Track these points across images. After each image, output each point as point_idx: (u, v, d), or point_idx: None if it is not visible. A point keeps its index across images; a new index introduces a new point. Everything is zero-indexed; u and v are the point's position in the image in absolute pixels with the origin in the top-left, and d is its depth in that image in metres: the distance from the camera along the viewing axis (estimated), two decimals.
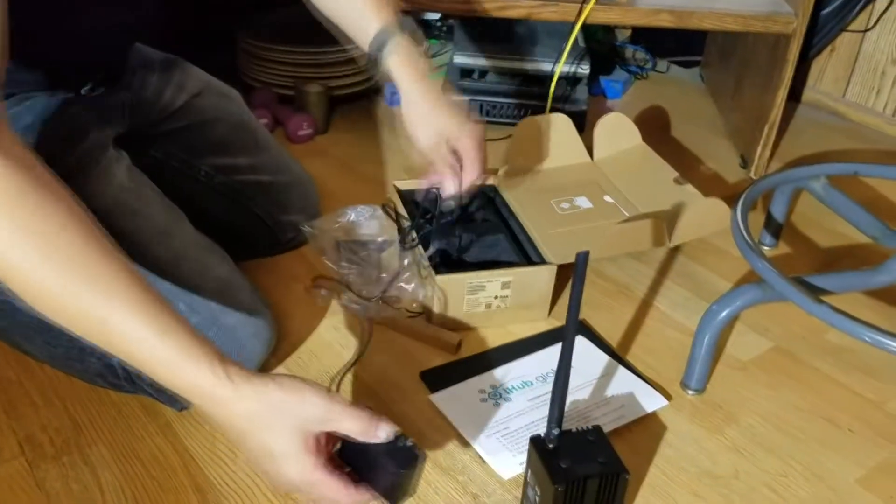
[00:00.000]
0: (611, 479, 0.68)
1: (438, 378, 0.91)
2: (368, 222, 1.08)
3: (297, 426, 0.61)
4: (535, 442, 0.71)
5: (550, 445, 0.70)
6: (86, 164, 0.79)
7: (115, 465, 0.79)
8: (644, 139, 1.26)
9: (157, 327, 0.58)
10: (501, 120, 1.49)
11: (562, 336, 0.65)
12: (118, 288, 0.57)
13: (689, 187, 1.14)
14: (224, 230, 0.95)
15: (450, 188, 0.96)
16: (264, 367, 0.90)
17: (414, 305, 1.00)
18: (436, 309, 0.97)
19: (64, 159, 0.81)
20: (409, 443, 0.64)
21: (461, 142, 0.93)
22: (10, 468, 0.77)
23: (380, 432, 0.62)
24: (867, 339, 0.78)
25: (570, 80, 1.49)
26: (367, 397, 0.88)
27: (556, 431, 0.69)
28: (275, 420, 0.60)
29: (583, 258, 0.60)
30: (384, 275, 1.00)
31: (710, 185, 1.35)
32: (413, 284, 0.98)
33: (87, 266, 0.57)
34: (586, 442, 0.71)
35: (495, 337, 0.99)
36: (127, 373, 0.82)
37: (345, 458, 0.66)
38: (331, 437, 0.64)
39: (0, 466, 0.78)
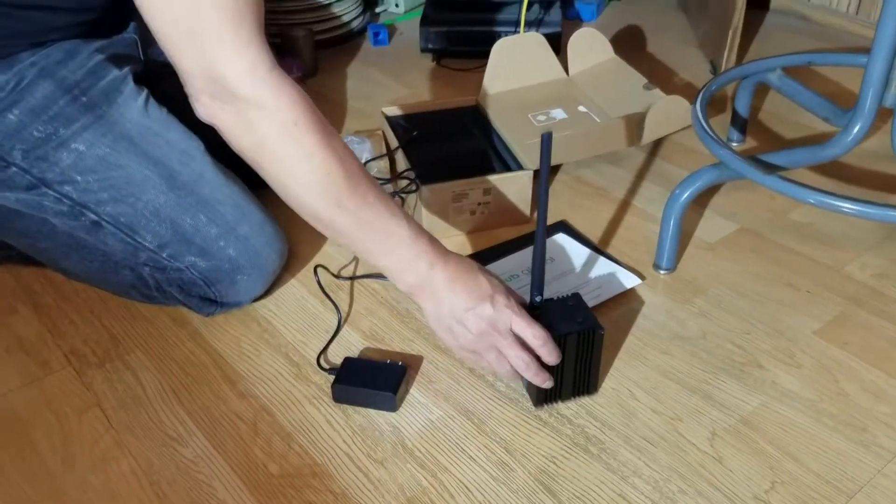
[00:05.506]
0: (588, 335, 0.78)
1: None
2: (359, 147, 1.16)
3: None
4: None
5: (534, 310, 0.79)
6: (111, 92, 0.89)
7: (152, 367, 0.89)
8: (619, 57, 1.33)
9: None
10: (478, 48, 1.56)
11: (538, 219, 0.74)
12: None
13: (658, 91, 1.22)
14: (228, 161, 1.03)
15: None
16: (278, 281, 0.99)
17: None
18: (424, 218, 1.06)
19: (94, 87, 0.89)
20: None
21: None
22: (60, 377, 0.88)
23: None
24: (812, 201, 0.87)
25: (542, 4, 1.56)
26: (375, 300, 0.98)
27: (538, 298, 0.79)
28: (480, 271, 0.80)
29: (547, 137, 0.69)
30: None
31: (683, 93, 1.42)
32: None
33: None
34: (566, 307, 0.80)
35: (482, 241, 1.08)
36: (157, 282, 0.92)
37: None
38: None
39: (52, 375, 0.88)
